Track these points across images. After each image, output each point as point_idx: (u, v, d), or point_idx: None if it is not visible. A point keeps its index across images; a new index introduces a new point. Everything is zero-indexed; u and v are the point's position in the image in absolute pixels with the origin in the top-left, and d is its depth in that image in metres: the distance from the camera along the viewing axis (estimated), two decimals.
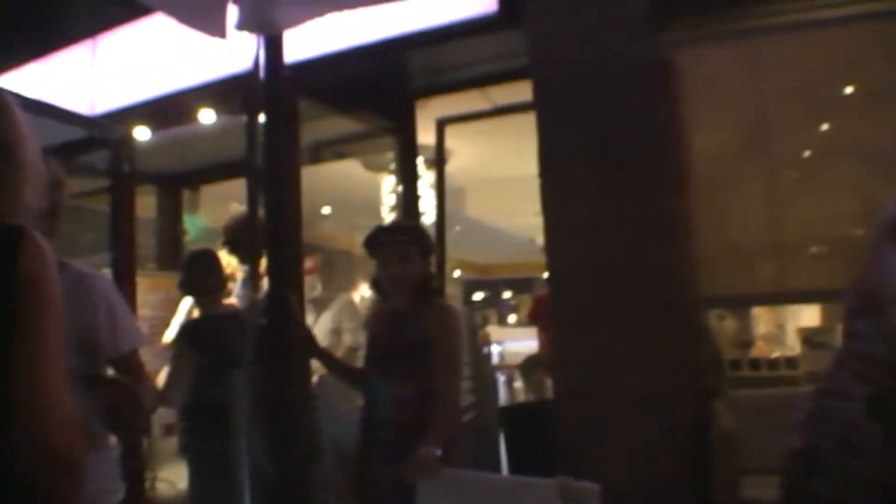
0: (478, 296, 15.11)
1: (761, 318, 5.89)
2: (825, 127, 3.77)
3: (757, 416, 3.86)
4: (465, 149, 6.40)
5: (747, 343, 5.56)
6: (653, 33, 3.41)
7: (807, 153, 3.79)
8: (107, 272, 4.15)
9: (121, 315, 1.92)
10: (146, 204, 6.36)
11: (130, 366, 1.95)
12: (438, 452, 2.21)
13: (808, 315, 5.81)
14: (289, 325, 2.68)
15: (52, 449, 1.10)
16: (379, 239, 2.62)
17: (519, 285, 14.47)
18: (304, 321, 2.83)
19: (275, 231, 2.82)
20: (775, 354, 5.27)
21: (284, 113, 2.95)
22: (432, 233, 4.72)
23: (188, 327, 3.41)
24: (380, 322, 2.75)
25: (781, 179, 3.70)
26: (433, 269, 2.76)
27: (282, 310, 2.66)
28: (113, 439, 2.08)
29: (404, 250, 2.58)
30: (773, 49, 3.80)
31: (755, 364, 5.18)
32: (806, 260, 3.36)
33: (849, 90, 3.59)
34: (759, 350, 5.60)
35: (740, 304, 5.25)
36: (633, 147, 3.28)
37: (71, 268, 1.89)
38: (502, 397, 7.50)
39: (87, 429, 1.48)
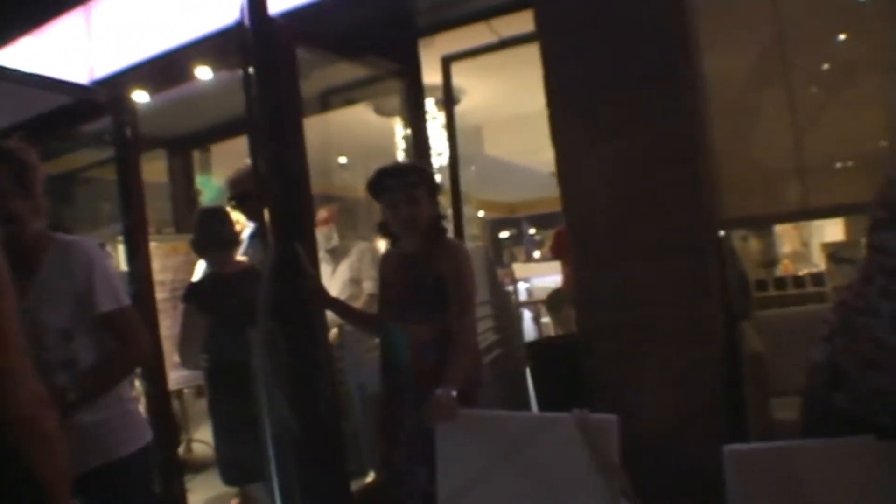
0: (504, 234, 15.07)
1: (786, 237, 5.80)
2: (842, 38, 3.63)
3: (785, 336, 3.81)
4: (478, 87, 6.31)
5: (773, 262, 5.49)
6: None
7: (826, 66, 3.66)
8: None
9: (100, 278, 2.02)
10: (158, 168, 6.39)
11: (114, 325, 2.05)
12: (454, 393, 2.20)
13: (833, 231, 5.71)
14: (298, 277, 2.68)
15: (19, 412, 1.15)
16: (383, 182, 2.58)
17: (544, 221, 14.38)
18: (312, 272, 2.79)
19: (277, 183, 2.80)
20: (802, 272, 5.20)
21: (277, 62, 2.90)
22: (447, 173, 4.69)
23: (195, 287, 3.41)
24: (390, 266, 2.72)
25: (802, 96, 3.58)
26: (442, 208, 2.70)
27: (289, 262, 2.66)
28: (126, 391, 2.17)
29: (412, 192, 2.54)
30: None
31: (781, 283, 5.12)
32: (830, 176, 3.26)
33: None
34: (785, 269, 5.53)
35: (764, 224, 5.17)
36: (643, 73, 3.18)
37: (58, 239, 2.07)
38: (530, 333, 7.54)
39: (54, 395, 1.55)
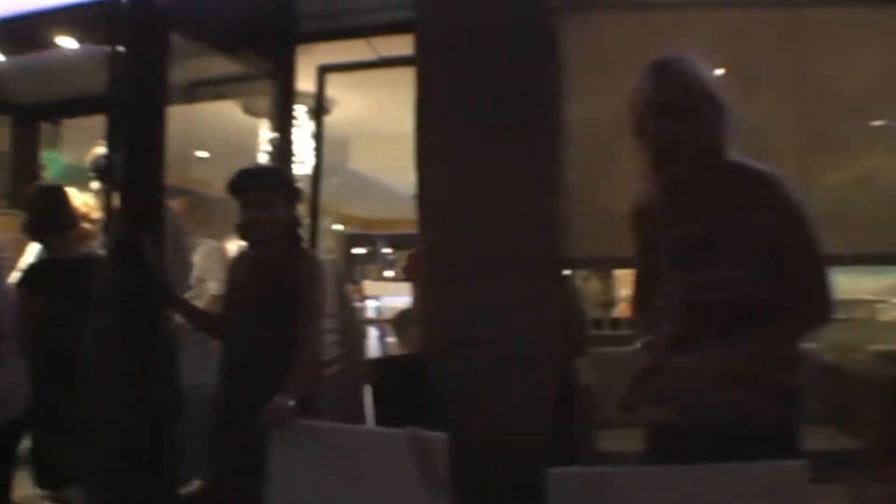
0: (358, 250, 15.05)
1: (624, 281, 6.15)
2: None
3: (617, 373, 4.04)
4: (350, 100, 6.31)
5: (610, 304, 5.84)
6: None
7: None
8: None
9: None
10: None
11: None
12: (292, 402, 2.19)
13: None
14: (141, 268, 2.58)
15: None
16: (241, 182, 2.54)
17: (400, 241, 14.48)
18: (159, 265, 2.69)
19: (131, 168, 2.70)
20: None
21: (152, 45, 2.81)
22: (309, 182, 4.66)
23: (28, 271, 3.20)
24: (241, 268, 2.67)
25: None
26: (300, 216, 2.68)
27: (134, 252, 2.55)
28: None
29: (266, 195, 2.51)
30: (658, 23, 3.92)
31: (617, 324, 5.46)
32: None
33: (721, 71, 3.75)
34: (622, 311, 5.87)
35: (607, 267, 5.49)
36: (513, 108, 3.28)
37: None
38: (376, 351, 7.55)
39: None
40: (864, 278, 5.79)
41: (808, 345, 4.05)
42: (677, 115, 1.74)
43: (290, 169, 4.30)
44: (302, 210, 3.17)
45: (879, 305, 5.76)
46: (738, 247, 1.72)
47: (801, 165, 3.64)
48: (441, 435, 1.96)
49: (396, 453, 1.98)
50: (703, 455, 1.65)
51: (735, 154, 1.79)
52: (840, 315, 5.60)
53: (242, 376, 2.49)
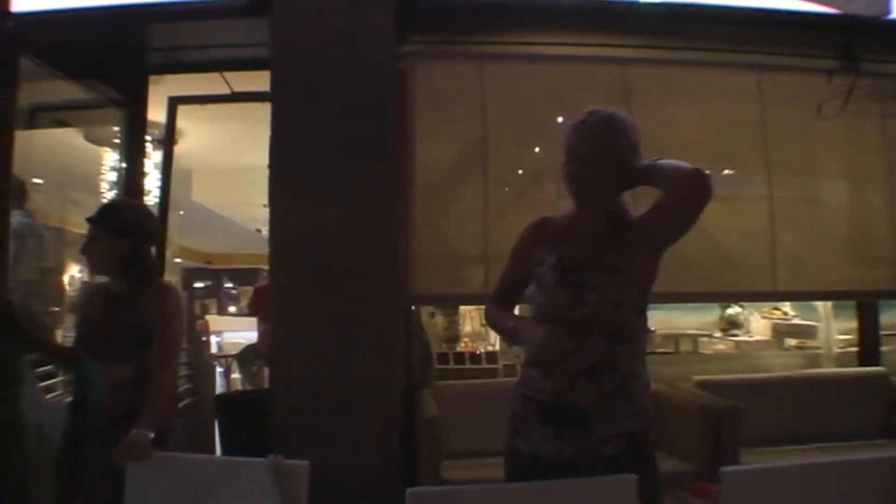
0: (199, 284, 14.57)
1: (467, 318, 6.41)
2: (537, 150, 4.24)
3: (460, 405, 4.24)
4: (197, 132, 6.20)
5: (455, 339, 6.07)
6: (393, 43, 3.59)
7: (520, 171, 4.24)
8: None
9: None
10: None
11: None
12: (151, 435, 2.19)
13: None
14: None
15: None
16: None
17: (243, 276, 14.18)
18: (7, 297, 2.62)
19: None
20: (479, 350, 5.82)
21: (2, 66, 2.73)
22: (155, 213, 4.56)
23: None
24: (94, 303, 2.63)
25: (496, 193, 4.10)
26: (143, 249, 2.64)
27: None
28: None
29: (92, 231, 2.57)
30: (500, 74, 4.21)
31: (461, 358, 5.69)
32: None
33: (560, 119, 4.06)
34: (465, 346, 6.12)
35: (450, 303, 5.71)
36: (362, 150, 3.42)
37: None
38: (220, 387, 7.37)
39: None
40: (690, 314, 6.38)
41: None
42: (579, 162, 1.99)
43: (139, 200, 4.19)
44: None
45: (703, 339, 6.32)
46: (606, 272, 1.94)
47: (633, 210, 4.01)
48: (303, 463, 2.03)
49: (256, 482, 2.03)
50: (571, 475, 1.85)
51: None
52: (668, 348, 6.11)
53: (94, 411, 2.45)
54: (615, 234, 1.99)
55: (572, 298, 1.94)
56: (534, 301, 2.04)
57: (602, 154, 1.96)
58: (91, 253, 2.56)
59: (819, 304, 5.80)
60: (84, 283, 3.99)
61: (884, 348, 5.35)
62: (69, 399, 2.56)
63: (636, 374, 1.95)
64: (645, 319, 2.03)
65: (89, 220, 2.57)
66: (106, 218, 2.59)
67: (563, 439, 1.94)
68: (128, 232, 2.58)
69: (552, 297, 1.98)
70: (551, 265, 2.02)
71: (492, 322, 2.25)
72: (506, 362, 5.89)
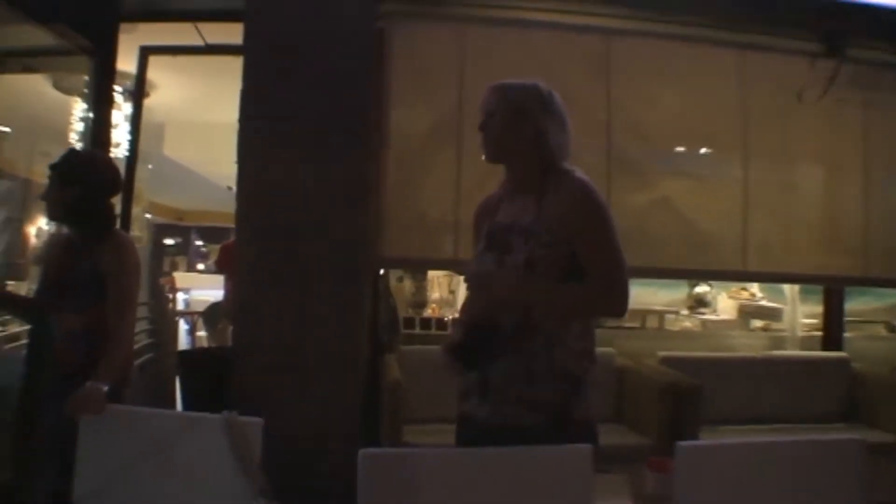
0: (169, 241, 14.42)
1: (436, 283, 6.41)
2: None
3: (425, 371, 4.24)
4: (170, 85, 6.07)
5: (422, 304, 6.07)
6: (372, 1, 3.51)
7: None
8: None
9: None
10: None
11: None
12: (105, 388, 2.16)
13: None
14: None
15: None
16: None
17: (213, 234, 14.03)
18: None
19: None
20: (447, 317, 5.82)
21: None
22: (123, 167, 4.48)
23: None
24: (54, 252, 2.60)
25: (469, 161, 4.06)
26: (93, 198, 2.58)
27: None
28: None
29: (55, 176, 2.56)
30: (480, 39, 4.14)
31: (427, 323, 5.69)
32: None
33: None
34: (433, 311, 6.12)
35: (420, 268, 5.70)
36: (335, 110, 3.36)
37: None
38: (186, 343, 7.34)
39: None
40: (659, 292, 6.42)
41: (605, 349, 4.48)
42: (483, 121, 2.12)
43: (103, 150, 4.10)
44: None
45: (670, 316, 6.38)
46: (538, 234, 1.94)
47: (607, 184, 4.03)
48: (257, 420, 2.01)
49: (210, 438, 2.01)
50: (503, 442, 1.84)
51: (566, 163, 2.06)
52: (635, 324, 6.15)
53: (52, 363, 2.41)
54: (539, 198, 2.00)
55: (496, 262, 1.99)
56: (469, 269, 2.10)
57: (498, 109, 2.07)
58: (46, 199, 2.55)
59: (786, 287, 5.86)
60: (51, 234, 3.92)
61: (847, 334, 5.45)
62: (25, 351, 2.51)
63: (562, 339, 1.95)
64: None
65: (50, 166, 2.55)
66: (59, 166, 2.57)
67: (491, 404, 1.96)
68: (76, 181, 2.55)
69: (482, 263, 2.03)
70: (484, 234, 2.09)
71: None
72: None
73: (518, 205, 2.04)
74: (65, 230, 2.67)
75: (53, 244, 2.67)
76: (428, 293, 6.20)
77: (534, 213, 1.98)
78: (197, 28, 4.31)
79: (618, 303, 1.94)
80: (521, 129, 2.03)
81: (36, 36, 3.96)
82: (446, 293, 6.37)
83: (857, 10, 4.13)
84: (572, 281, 1.94)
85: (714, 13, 4.20)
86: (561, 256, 1.93)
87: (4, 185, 4.24)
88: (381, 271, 4.61)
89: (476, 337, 1.94)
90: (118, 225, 2.75)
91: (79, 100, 5.03)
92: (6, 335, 3.32)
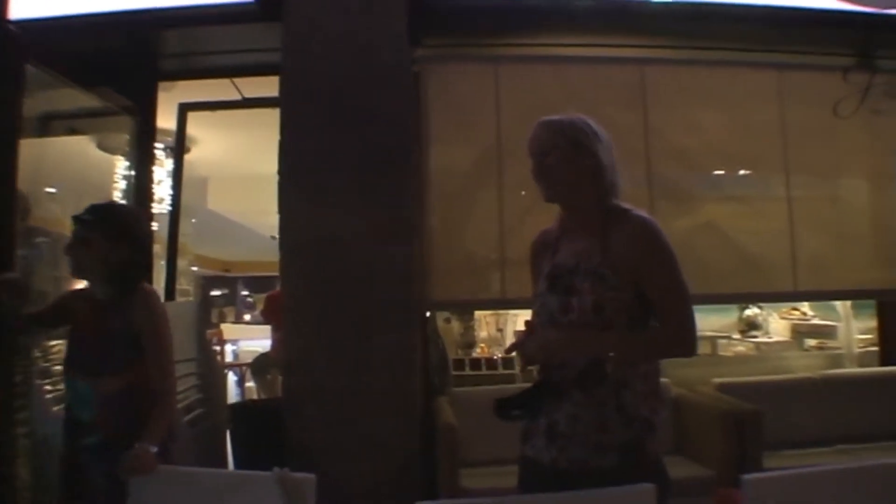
0: (216, 292, 14.60)
1: (484, 322, 6.33)
2: None
3: (477, 412, 4.15)
4: (211, 140, 6.19)
5: (471, 344, 6.00)
6: (407, 47, 3.52)
7: None
8: None
9: None
10: None
11: None
12: (154, 449, 2.13)
13: (525, 319, 6.38)
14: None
15: None
16: (74, 220, 2.45)
17: (259, 284, 14.16)
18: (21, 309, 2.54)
19: None
20: (496, 356, 5.73)
21: (6, 75, 2.69)
22: (167, 223, 4.53)
23: None
24: (81, 310, 2.51)
25: (511, 197, 4.02)
26: (139, 257, 2.50)
27: None
28: None
29: (85, 234, 2.42)
30: (514, 76, 4.14)
31: (477, 364, 5.61)
32: (526, 270, 3.71)
33: None
34: (482, 351, 6.04)
35: (467, 309, 5.63)
36: (375, 155, 3.36)
37: None
38: (235, 396, 7.34)
39: None
40: (709, 317, 6.26)
41: (662, 379, 4.36)
42: (535, 160, 2.03)
43: (147, 208, 4.15)
44: (158, 250, 3.07)
45: (721, 341, 6.21)
46: (605, 276, 1.88)
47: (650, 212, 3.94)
48: (310, 476, 1.96)
49: (262, 496, 1.96)
50: (571, 485, 1.78)
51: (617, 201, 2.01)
52: None
53: (87, 427, 2.37)
54: (602, 238, 1.95)
55: (561, 304, 1.93)
56: (533, 310, 2.05)
57: (555, 146, 2.00)
58: (80, 256, 2.41)
59: (838, 303, 5.68)
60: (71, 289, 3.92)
61: None
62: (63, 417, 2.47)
63: (628, 383, 1.88)
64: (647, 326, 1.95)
65: (78, 219, 2.42)
66: (103, 221, 2.45)
67: (558, 448, 1.89)
68: (127, 238, 2.46)
69: (545, 305, 1.98)
70: (545, 274, 2.02)
71: None
72: (523, 366, 5.81)
73: (580, 244, 1.98)
74: (86, 285, 2.58)
75: (74, 299, 2.58)
76: (476, 332, 6.13)
77: (598, 254, 1.92)
78: (234, 83, 4.37)
79: (689, 343, 1.90)
80: (582, 163, 1.98)
81: (80, 99, 4.05)
82: (494, 331, 6.29)
83: (887, 22, 4.04)
84: (640, 322, 1.90)
85: (745, 37, 4.16)
86: (628, 298, 1.88)
87: (53, 245, 4.28)
88: (428, 313, 4.56)
89: (534, 394, 1.91)
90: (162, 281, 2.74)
91: (121, 158, 5.13)
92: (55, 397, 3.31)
